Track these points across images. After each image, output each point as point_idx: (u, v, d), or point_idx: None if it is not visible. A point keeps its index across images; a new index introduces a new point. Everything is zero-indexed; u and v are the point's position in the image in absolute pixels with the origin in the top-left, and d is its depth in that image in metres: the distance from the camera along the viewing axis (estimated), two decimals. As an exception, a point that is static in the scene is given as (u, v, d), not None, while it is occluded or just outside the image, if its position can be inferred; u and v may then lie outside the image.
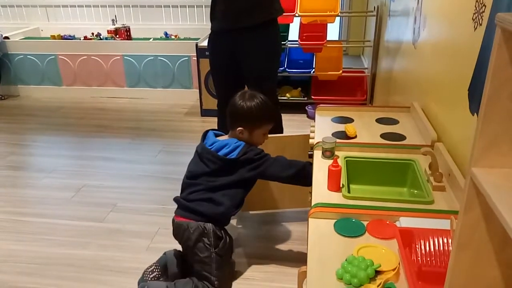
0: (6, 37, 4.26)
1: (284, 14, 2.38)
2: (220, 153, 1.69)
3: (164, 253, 1.78)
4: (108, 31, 4.27)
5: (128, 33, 4.27)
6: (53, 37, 4.29)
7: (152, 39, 4.26)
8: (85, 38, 4.28)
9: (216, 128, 2.62)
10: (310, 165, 1.62)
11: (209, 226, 1.66)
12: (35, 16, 4.67)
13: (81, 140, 3.25)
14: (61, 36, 4.33)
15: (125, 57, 4.00)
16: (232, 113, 1.76)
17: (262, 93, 2.40)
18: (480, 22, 1.25)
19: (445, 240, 1.02)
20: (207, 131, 1.82)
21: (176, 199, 1.78)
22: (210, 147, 1.72)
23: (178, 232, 1.72)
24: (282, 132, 2.54)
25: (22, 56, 4.10)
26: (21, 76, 4.19)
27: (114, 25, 4.34)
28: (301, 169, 1.70)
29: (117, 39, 4.21)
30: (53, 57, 4.07)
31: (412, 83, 2.16)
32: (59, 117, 3.69)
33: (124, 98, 4.09)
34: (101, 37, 4.29)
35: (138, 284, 1.73)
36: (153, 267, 1.77)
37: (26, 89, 4.21)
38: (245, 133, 1.74)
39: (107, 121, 3.60)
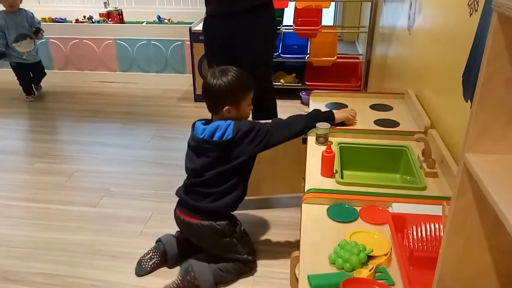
0: None
1: (279, -2, 2.36)
2: (214, 137, 1.62)
3: (159, 240, 1.78)
4: (100, 14, 4.19)
5: (121, 17, 4.20)
6: (44, 20, 4.20)
7: (145, 22, 4.20)
8: (77, 21, 4.20)
9: (211, 117, 2.62)
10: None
11: (222, 224, 1.64)
12: (25, -2, 4.57)
13: (73, 125, 3.22)
14: (52, 19, 4.24)
15: (118, 41, 3.94)
16: (212, 95, 1.65)
17: (257, 78, 2.40)
18: (476, 8, 1.24)
19: (437, 226, 1.03)
20: (194, 123, 1.73)
21: (181, 197, 1.71)
22: (201, 136, 1.65)
23: (188, 229, 1.71)
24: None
25: (12, 39, 4.03)
26: (11, 60, 4.12)
27: (106, 8, 4.26)
28: (308, 119, 1.66)
29: (109, 22, 4.15)
30: (44, 40, 4.00)
31: (406, 69, 2.16)
32: (51, 101, 3.65)
33: (117, 83, 4.05)
34: (93, 20, 4.22)
35: (136, 272, 1.74)
36: (151, 253, 1.77)
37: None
38: (232, 111, 1.64)
39: (99, 105, 3.57)
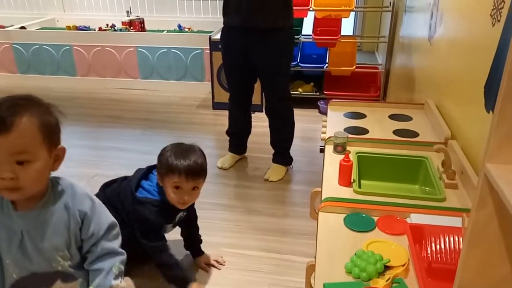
0: (23, 27, 4.31)
1: (298, 8, 2.37)
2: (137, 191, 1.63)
3: None
4: (122, 22, 4.29)
5: (142, 25, 4.29)
6: (68, 27, 4.33)
7: (165, 31, 4.27)
8: (100, 29, 4.31)
9: (228, 124, 2.64)
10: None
11: None
12: (51, 7, 4.71)
13: (94, 130, 3.29)
14: (76, 27, 4.36)
15: (139, 49, 4.02)
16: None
17: (274, 87, 2.41)
18: (499, 19, 1.23)
19: (456, 238, 1.01)
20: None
21: None
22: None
23: None
24: (293, 128, 2.54)
25: (38, 46, 4.15)
26: (36, 66, 4.23)
27: (129, 16, 4.36)
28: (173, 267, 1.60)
29: (131, 30, 4.23)
30: (68, 47, 4.11)
31: (427, 80, 2.14)
32: (73, 107, 3.73)
33: (137, 90, 4.11)
34: (116, 28, 4.32)
35: None
36: None
37: (42, 79, 4.25)
38: (160, 181, 1.60)
39: (120, 111, 3.63)
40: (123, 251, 1.15)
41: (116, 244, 1.14)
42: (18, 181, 0.93)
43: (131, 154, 2.87)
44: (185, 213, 1.71)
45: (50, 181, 1.05)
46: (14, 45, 4.17)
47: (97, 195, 1.57)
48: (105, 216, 1.13)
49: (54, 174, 1.06)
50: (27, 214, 1.02)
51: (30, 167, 0.94)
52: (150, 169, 1.71)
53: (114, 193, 1.68)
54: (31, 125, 0.94)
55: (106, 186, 1.76)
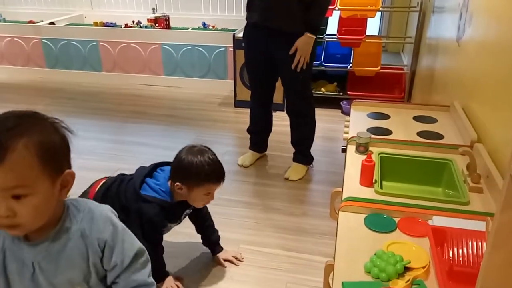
0: (52, 23, 4.43)
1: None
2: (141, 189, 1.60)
3: None
4: (148, 19, 4.35)
5: (167, 22, 4.34)
6: (95, 24, 4.42)
7: (190, 29, 4.31)
8: (126, 26, 4.38)
9: (249, 122, 2.65)
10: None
11: None
12: (80, 3, 4.82)
13: (118, 125, 3.35)
14: (103, 23, 4.44)
15: (163, 46, 4.07)
16: (173, 164, 1.62)
17: (296, 85, 2.41)
18: (531, 19, 1.20)
19: (479, 242, 0.99)
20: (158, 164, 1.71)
21: None
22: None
23: None
24: (314, 127, 2.53)
25: (66, 42, 4.25)
26: (64, 61, 4.34)
27: (154, 14, 4.42)
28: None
29: (156, 27, 4.29)
30: (94, 43, 4.20)
31: (453, 81, 2.09)
32: (98, 101, 3.80)
33: (161, 86, 4.17)
34: (141, 25, 4.38)
35: None
36: None
37: (69, 74, 4.36)
38: (184, 190, 1.58)
39: (143, 107, 3.69)
40: (153, 282, 0.99)
41: (145, 274, 0.98)
42: (15, 218, 0.80)
43: (153, 149, 2.91)
44: (191, 209, 1.72)
45: (66, 205, 0.94)
46: (43, 40, 4.29)
47: (96, 196, 1.60)
48: (130, 243, 0.97)
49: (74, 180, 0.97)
50: (39, 244, 0.90)
51: (28, 202, 0.81)
52: (154, 167, 1.70)
53: (112, 193, 1.65)
54: (27, 153, 0.79)
55: (107, 189, 1.69)
